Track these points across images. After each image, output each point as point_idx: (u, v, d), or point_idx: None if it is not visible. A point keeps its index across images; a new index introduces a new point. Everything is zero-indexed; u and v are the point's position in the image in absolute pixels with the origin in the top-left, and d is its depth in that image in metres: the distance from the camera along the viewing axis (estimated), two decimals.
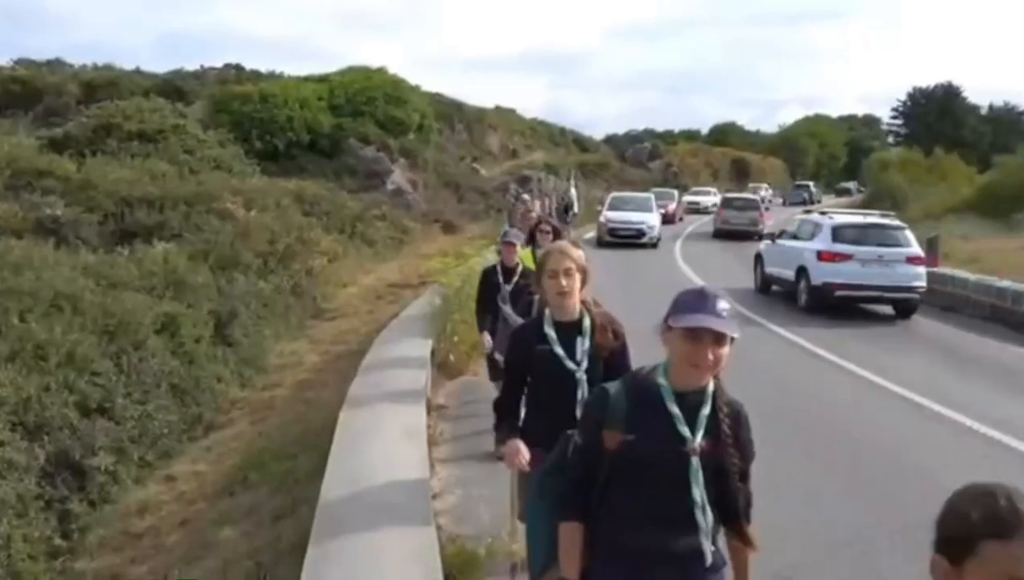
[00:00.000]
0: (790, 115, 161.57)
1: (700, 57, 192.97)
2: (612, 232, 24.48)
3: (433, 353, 8.96)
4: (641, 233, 24.41)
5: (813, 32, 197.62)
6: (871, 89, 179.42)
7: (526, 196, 15.57)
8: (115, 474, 7.36)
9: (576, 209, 26.98)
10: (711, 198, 41.48)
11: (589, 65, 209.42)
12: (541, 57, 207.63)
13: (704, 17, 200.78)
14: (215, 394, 9.64)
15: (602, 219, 25.32)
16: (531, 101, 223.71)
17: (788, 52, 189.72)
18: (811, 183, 59.39)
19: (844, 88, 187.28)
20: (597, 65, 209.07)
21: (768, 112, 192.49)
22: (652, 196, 29.09)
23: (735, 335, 2.25)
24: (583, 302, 3.51)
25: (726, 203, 30.67)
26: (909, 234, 13.86)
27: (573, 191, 27.91)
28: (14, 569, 5.96)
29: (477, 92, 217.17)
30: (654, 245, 24.46)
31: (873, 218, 14.93)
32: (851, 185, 68.10)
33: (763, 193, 44.50)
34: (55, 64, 36.59)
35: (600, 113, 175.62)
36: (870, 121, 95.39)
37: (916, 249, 13.58)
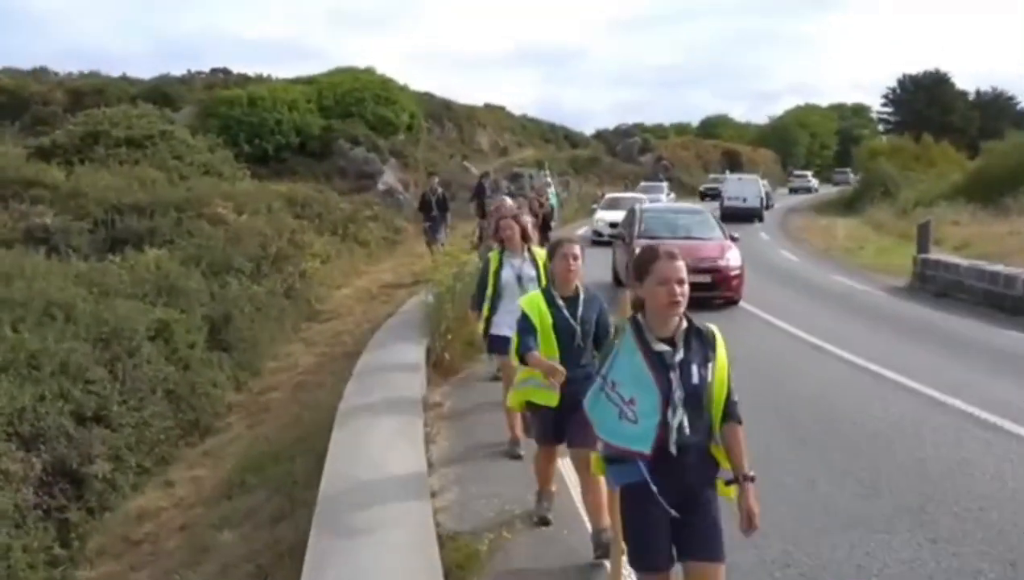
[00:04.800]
0: (782, 107, 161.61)
1: (692, 50, 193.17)
2: None
3: (428, 352, 8.97)
4: None
5: (804, 22, 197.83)
6: (863, 77, 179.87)
7: (507, 198, 10.90)
8: (113, 481, 7.36)
9: (556, 218, 19.26)
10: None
11: (581, 60, 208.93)
12: (533, 53, 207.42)
13: (699, 8, 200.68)
14: (211, 399, 9.64)
15: None
16: (523, 97, 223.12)
17: (779, 43, 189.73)
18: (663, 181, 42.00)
19: (836, 77, 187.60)
20: (589, 60, 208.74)
21: (761, 104, 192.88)
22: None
23: None
24: None
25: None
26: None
27: (552, 191, 20.97)
28: (15, 579, 5.96)
29: (468, 89, 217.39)
30: None
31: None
32: (807, 176, 58.02)
33: (662, 196, 34.37)
34: (40, 72, 36.42)
35: (591, 108, 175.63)
36: (860, 109, 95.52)
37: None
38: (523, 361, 4.61)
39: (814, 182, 55.75)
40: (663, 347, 3.02)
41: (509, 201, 9.10)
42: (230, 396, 10.04)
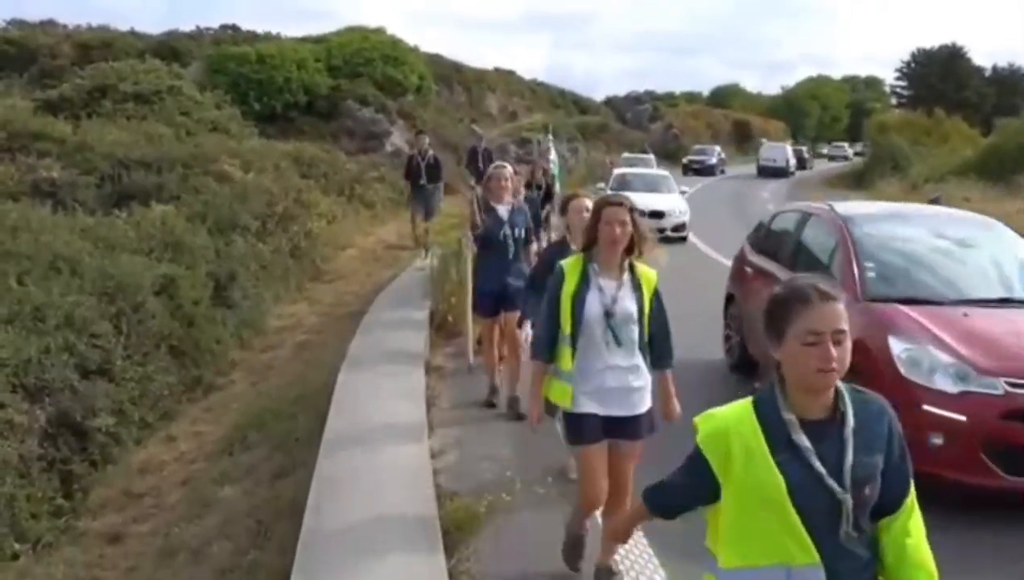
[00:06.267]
0: (795, 78, 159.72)
1: (705, 18, 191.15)
2: None
3: (431, 314, 8.99)
4: None
5: None
6: (879, 49, 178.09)
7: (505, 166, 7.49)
8: (116, 435, 7.39)
9: (558, 189, 15.38)
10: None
11: (593, 25, 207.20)
12: (544, 17, 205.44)
13: None
14: (215, 355, 9.66)
15: None
16: (534, 62, 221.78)
17: (793, 12, 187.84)
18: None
19: (851, 49, 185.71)
20: (600, 25, 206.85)
21: (773, 74, 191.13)
22: None
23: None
24: None
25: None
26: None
27: (553, 157, 17.54)
28: (18, 528, 6.03)
29: (478, 53, 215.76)
30: None
31: None
32: (844, 146, 63.28)
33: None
34: (49, 25, 36.15)
35: (602, 74, 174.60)
36: (873, 82, 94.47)
37: None
38: None
39: (850, 152, 61.93)
40: None
41: (509, 169, 7.25)
42: (234, 353, 10.07)
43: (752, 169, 45.46)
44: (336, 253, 15.66)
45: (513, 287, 6.38)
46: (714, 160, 43.99)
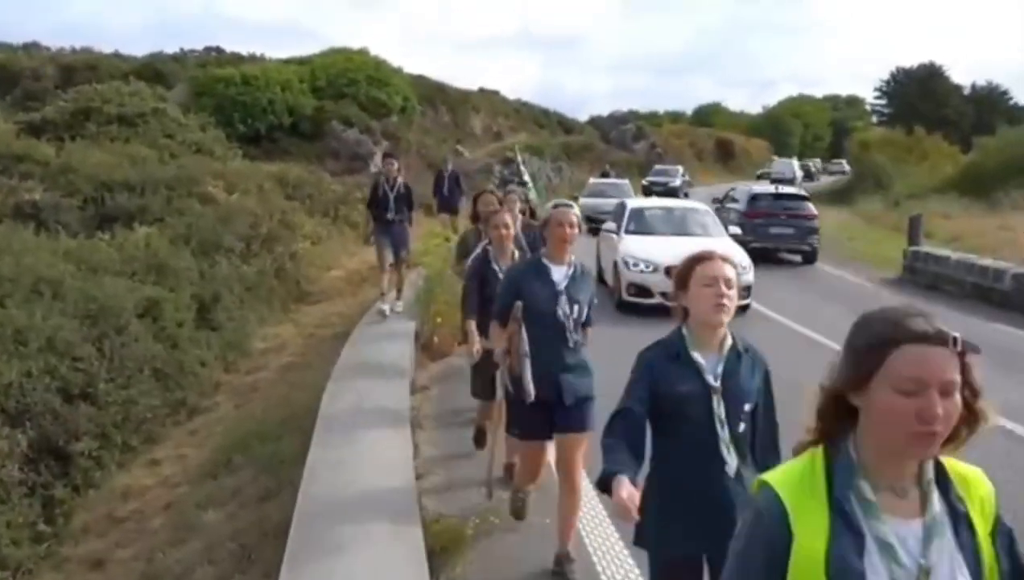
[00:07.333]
0: (778, 97, 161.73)
1: (692, 38, 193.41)
2: None
3: (417, 335, 8.98)
4: None
5: (806, 10, 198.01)
6: (865, 68, 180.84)
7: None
8: (99, 459, 7.34)
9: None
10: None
11: (584, 47, 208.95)
12: (537, 39, 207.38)
13: None
14: (199, 378, 9.61)
15: None
16: (521, 83, 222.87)
17: (780, 32, 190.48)
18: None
19: (837, 67, 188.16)
20: (592, 47, 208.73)
21: (760, 92, 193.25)
22: None
23: None
24: None
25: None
26: None
27: (527, 180, 15.97)
28: None
29: (470, 74, 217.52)
30: None
31: None
32: (842, 163, 65.23)
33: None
34: (32, 47, 36.15)
35: (590, 95, 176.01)
36: (854, 101, 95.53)
37: None
38: None
39: (848, 168, 64.14)
40: None
41: (575, 210, 4.65)
42: (218, 376, 10.02)
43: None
44: (321, 274, 15.63)
45: (574, 394, 4.16)
46: (677, 182, 36.72)
